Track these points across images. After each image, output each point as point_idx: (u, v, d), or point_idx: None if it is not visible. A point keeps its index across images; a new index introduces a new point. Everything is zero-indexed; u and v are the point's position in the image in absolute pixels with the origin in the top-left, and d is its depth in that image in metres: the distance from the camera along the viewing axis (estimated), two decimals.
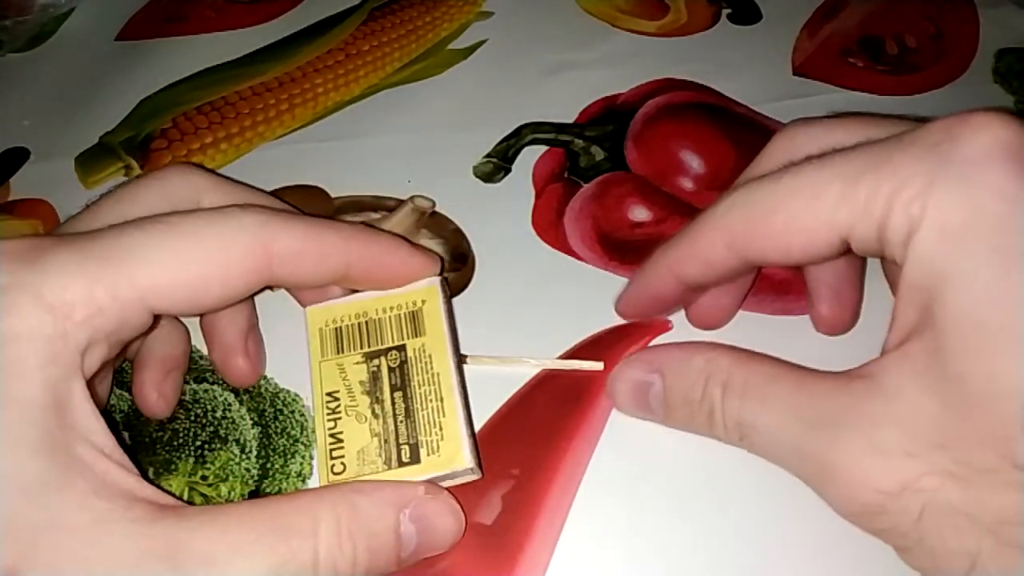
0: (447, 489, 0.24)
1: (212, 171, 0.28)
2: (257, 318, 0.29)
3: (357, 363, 0.26)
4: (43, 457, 0.19)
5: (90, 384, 0.21)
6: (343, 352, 0.27)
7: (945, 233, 0.18)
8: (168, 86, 0.40)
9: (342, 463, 0.24)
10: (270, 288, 0.27)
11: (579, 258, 0.32)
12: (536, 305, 0.31)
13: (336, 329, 0.27)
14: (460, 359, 0.26)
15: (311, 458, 0.27)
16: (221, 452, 0.28)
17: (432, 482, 0.24)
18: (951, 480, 0.18)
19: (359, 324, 0.27)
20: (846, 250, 0.21)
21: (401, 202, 0.34)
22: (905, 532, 0.19)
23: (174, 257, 0.22)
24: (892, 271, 0.26)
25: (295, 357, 0.29)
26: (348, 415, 0.25)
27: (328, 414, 0.25)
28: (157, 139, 0.38)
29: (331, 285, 0.27)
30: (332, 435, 0.25)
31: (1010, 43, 0.39)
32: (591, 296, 0.30)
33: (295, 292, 0.29)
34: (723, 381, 0.23)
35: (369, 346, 0.26)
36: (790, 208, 0.21)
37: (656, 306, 0.28)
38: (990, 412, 0.18)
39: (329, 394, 0.26)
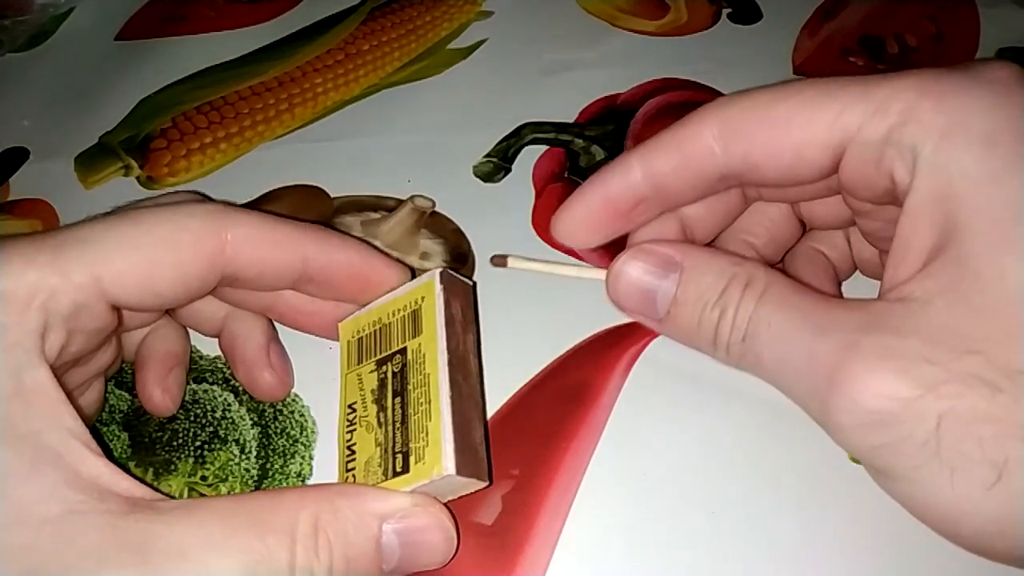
0: (446, 504, 0.23)
1: (211, 200, 0.28)
2: (276, 332, 0.29)
3: (371, 371, 0.25)
4: (6, 447, 0.19)
5: (63, 381, 0.21)
6: (362, 362, 0.26)
7: (974, 140, 0.18)
8: (168, 86, 0.40)
9: (353, 476, 0.24)
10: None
11: (579, 258, 0.32)
12: (536, 305, 0.31)
13: (359, 340, 0.26)
14: (451, 358, 0.24)
15: (311, 458, 0.27)
16: (221, 452, 0.28)
17: (425, 493, 0.22)
18: (978, 386, 0.17)
19: (375, 331, 0.26)
20: (830, 170, 0.21)
21: (401, 202, 0.34)
22: (919, 444, 0.18)
23: (124, 241, 0.22)
24: (874, 228, 0.24)
25: (294, 359, 0.29)
26: (361, 426, 0.25)
27: (347, 426, 0.25)
28: (157, 139, 0.38)
29: (293, 289, 0.26)
30: (348, 447, 0.24)
31: (1010, 42, 0.39)
32: (591, 297, 0.30)
33: (273, 310, 0.28)
34: (746, 282, 0.21)
35: (380, 352, 0.25)
36: (799, 99, 0.21)
37: (603, 215, 0.24)
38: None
39: (350, 406, 0.25)
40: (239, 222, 0.24)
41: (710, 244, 0.27)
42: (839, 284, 0.28)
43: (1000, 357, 0.17)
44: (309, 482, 0.27)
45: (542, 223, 0.33)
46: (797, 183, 0.23)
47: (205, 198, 0.28)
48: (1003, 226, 0.18)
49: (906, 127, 0.19)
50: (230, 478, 0.27)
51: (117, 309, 0.23)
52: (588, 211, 0.24)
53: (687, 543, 0.25)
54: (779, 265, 0.28)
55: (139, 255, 0.22)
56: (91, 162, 0.37)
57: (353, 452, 0.24)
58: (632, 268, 0.23)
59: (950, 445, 0.17)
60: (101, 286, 0.21)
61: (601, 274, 0.24)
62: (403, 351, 0.25)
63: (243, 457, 0.28)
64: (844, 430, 0.19)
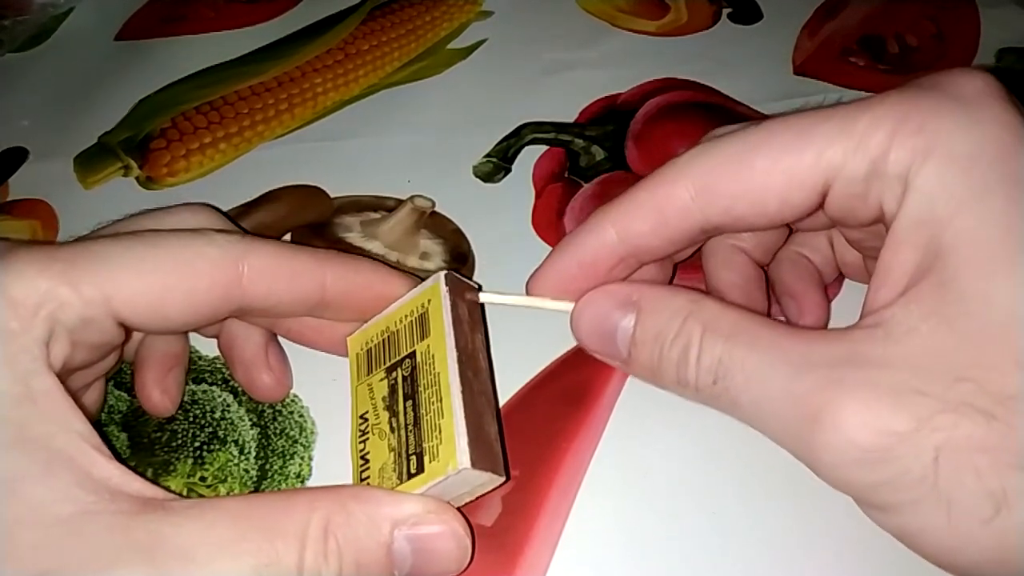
0: (460, 510, 0.22)
1: (223, 213, 0.28)
2: (275, 334, 0.29)
3: (381, 380, 0.25)
4: (18, 449, 0.19)
5: (66, 385, 0.20)
6: (372, 372, 0.26)
7: (955, 162, 0.18)
8: (167, 86, 0.40)
9: (368, 484, 0.23)
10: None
11: None
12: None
13: (368, 351, 0.26)
14: (460, 355, 0.23)
15: (310, 459, 0.27)
16: (220, 453, 0.28)
17: (442, 494, 0.22)
18: (972, 414, 0.17)
19: (383, 340, 0.26)
20: (817, 206, 0.21)
21: (401, 202, 0.34)
22: (917, 479, 0.17)
23: (139, 263, 0.22)
24: (858, 237, 0.25)
25: (293, 359, 0.29)
26: (373, 434, 0.24)
27: (360, 436, 0.25)
28: (156, 139, 0.38)
29: (308, 316, 0.26)
30: (362, 456, 0.24)
31: (1011, 43, 0.39)
32: None
33: (280, 327, 0.28)
34: (705, 321, 0.21)
35: (389, 360, 0.25)
36: (776, 144, 0.20)
37: (579, 278, 0.24)
38: (1014, 334, 0.17)
39: (362, 416, 0.25)
40: (257, 251, 0.23)
41: (695, 254, 0.27)
42: (824, 287, 0.28)
43: (992, 383, 0.17)
44: (308, 483, 0.27)
45: (542, 223, 0.33)
46: (782, 224, 0.23)
47: (216, 210, 0.28)
48: (987, 247, 0.18)
49: (889, 157, 0.19)
50: (229, 479, 0.27)
51: (124, 325, 0.23)
52: (563, 276, 0.24)
53: (687, 543, 0.25)
54: (766, 267, 0.28)
55: (154, 279, 0.22)
56: (90, 162, 0.37)
57: (367, 461, 0.24)
58: (591, 310, 0.23)
59: (948, 477, 0.17)
60: (111, 304, 0.21)
61: (570, 307, 0.24)
62: (412, 355, 0.24)
63: (242, 458, 0.28)
64: (834, 468, 0.19)
